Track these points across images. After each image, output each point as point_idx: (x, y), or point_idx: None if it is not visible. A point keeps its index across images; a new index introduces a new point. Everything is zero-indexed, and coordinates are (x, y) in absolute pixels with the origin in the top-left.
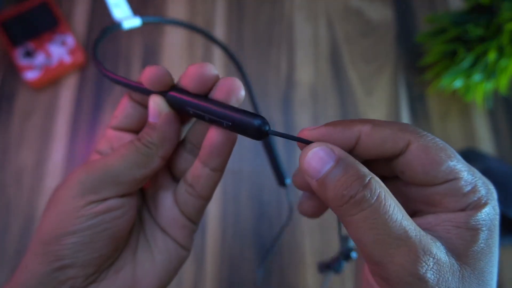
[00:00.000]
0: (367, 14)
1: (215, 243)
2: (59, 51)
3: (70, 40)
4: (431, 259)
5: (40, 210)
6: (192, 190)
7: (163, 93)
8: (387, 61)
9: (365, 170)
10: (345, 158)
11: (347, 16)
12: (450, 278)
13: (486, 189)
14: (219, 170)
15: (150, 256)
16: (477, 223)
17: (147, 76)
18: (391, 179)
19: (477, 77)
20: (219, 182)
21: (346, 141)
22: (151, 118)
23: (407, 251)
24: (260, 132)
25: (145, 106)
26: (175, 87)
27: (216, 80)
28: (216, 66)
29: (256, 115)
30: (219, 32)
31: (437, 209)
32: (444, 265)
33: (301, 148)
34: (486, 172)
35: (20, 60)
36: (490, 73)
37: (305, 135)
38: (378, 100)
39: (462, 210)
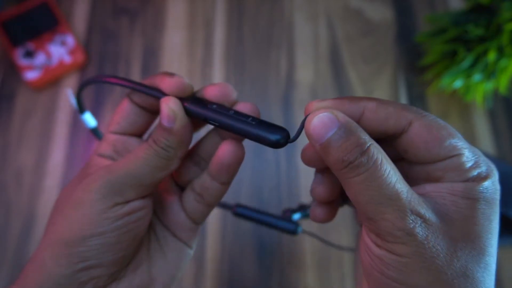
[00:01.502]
0: (367, 14)
1: (215, 243)
2: (59, 51)
3: (70, 40)
4: (419, 218)
5: (40, 210)
6: (200, 198)
7: (180, 99)
8: (387, 61)
9: (365, 136)
10: (348, 124)
11: (347, 16)
12: (440, 237)
13: (487, 166)
14: (227, 183)
15: (162, 255)
16: (475, 193)
17: (172, 85)
18: (395, 162)
19: (477, 77)
20: (226, 192)
21: (351, 114)
22: (166, 123)
23: (397, 209)
24: (279, 145)
25: (146, 108)
26: (194, 97)
27: (234, 103)
28: (216, 68)
29: (277, 129)
30: (219, 32)
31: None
32: (433, 225)
33: (307, 111)
34: None
35: (20, 60)
36: (490, 73)
37: (313, 105)
38: None
39: (462, 182)
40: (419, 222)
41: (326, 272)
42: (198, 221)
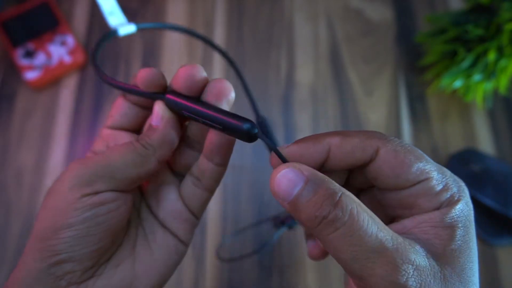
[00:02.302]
0: (367, 14)
1: (215, 242)
2: (59, 51)
3: (70, 40)
4: (410, 266)
5: None
6: (198, 182)
7: (161, 96)
8: (387, 61)
9: (335, 187)
10: (314, 177)
11: (347, 16)
12: (432, 281)
13: (457, 186)
14: (223, 165)
15: (149, 251)
16: (452, 220)
17: (141, 77)
18: (367, 189)
19: (477, 77)
20: (224, 175)
21: (317, 155)
22: (154, 122)
23: (386, 262)
24: (249, 136)
25: (140, 105)
26: (172, 90)
27: (205, 82)
28: (216, 67)
29: (245, 120)
30: (219, 32)
31: (412, 211)
32: (425, 270)
33: (272, 165)
34: (486, 172)
35: (20, 60)
36: (490, 73)
37: (273, 160)
38: (378, 100)
39: (436, 209)
40: (411, 272)
41: (326, 272)
42: (195, 210)
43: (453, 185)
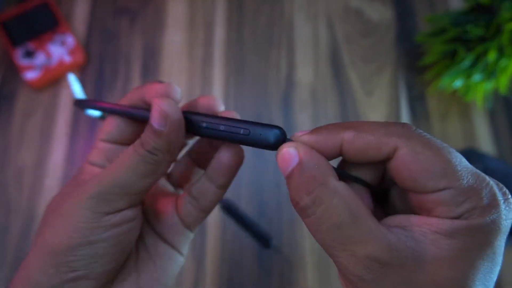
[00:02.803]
0: (367, 14)
1: (215, 242)
2: (59, 51)
3: (70, 40)
4: (375, 262)
5: (40, 210)
6: (196, 203)
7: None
8: (387, 61)
9: (320, 175)
10: (307, 160)
11: (347, 16)
12: (398, 281)
13: (491, 198)
14: (224, 187)
15: (151, 263)
16: (463, 233)
17: (158, 91)
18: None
19: (477, 77)
20: (222, 197)
21: (329, 150)
22: (157, 125)
23: (350, 254)
24: (278, 143)
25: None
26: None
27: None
28: (216, 67)
29: (273, 126)
30: (219, 32)
31: (430, 215)
32: (392, 269)
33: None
34: (486, 172)
35: (20, 60)
36: (490, 73)
37: (294, 137)
38: (378, 100)
39: (452, 219)
40: (374, 266)
41: (326, 272)
42: (191, 226)
43: (485, 196)
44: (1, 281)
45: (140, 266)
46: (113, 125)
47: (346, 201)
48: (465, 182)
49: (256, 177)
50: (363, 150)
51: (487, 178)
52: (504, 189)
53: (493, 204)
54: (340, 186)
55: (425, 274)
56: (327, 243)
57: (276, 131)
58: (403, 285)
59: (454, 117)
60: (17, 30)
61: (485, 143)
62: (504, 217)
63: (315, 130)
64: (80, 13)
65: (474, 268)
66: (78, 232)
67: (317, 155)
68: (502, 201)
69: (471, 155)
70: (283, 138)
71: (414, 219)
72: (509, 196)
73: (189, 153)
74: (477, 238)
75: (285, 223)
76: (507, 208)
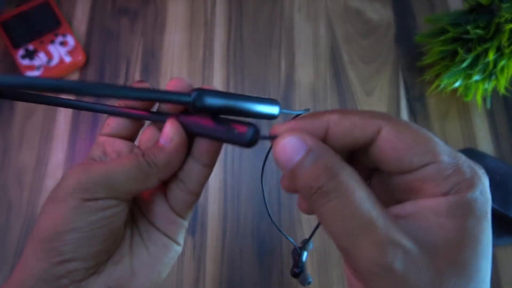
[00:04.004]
0: (367, 14)
1: (215, 242)
2: (59, 51)
3: (70, 40)
4: (400, 249)
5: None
6: (182, 185)
7: (165, 116)
8: (387, 61)
9: (335, 161)
10: (317, 148)
11: (347, 16)
12: (422, 270)
13: (472, 172)
14: (210, 166)
15: (144, 249)
16: (460, 209)
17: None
18: (375, 173)
19: (477, 77)
20: (209, 178)
21: (315, 131)
22: (163, 141)
23: (373, 241)
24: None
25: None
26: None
27: None
28: (216, 67)
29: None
30: (219, 32)
31: (418, 196)
32: (416, 256)
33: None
34: (485, 171)
35: (21, 60)
36: (490, 73)
37: (278, 129)
38: (378, 100)
39: (444, 195)
40: (398, 254)
41: (326, 272)
42: (182, 213)
43: (466, 170)
44: (2, 281)
45: (133, 250)
46: (115, 120)
47: (363, 186)
48: (449, 155)
49: (256, 177)
50: (348, 130)
51: (461, 154)
52: (477, 164)
53: (476, 177)
54: (353, 169)
55: (442, 260)
56: (347, 231)
57: (251, 130)
58: (426, 275)
59: (454, 117)
60: (18, 30)
61: (485, 143)
62: (487, 188)
63: (298, 119)
64: (80, 13)
65: (479, 243)
66: (63, 218)
67: (320, 141)
68: (481, 172)
69: (471, 155)
70: (255, 139)
71: (409, 206)
72: (482, 168)
73: None
74: (474, 212)
75: (285, 223)
76: (486, 179)
